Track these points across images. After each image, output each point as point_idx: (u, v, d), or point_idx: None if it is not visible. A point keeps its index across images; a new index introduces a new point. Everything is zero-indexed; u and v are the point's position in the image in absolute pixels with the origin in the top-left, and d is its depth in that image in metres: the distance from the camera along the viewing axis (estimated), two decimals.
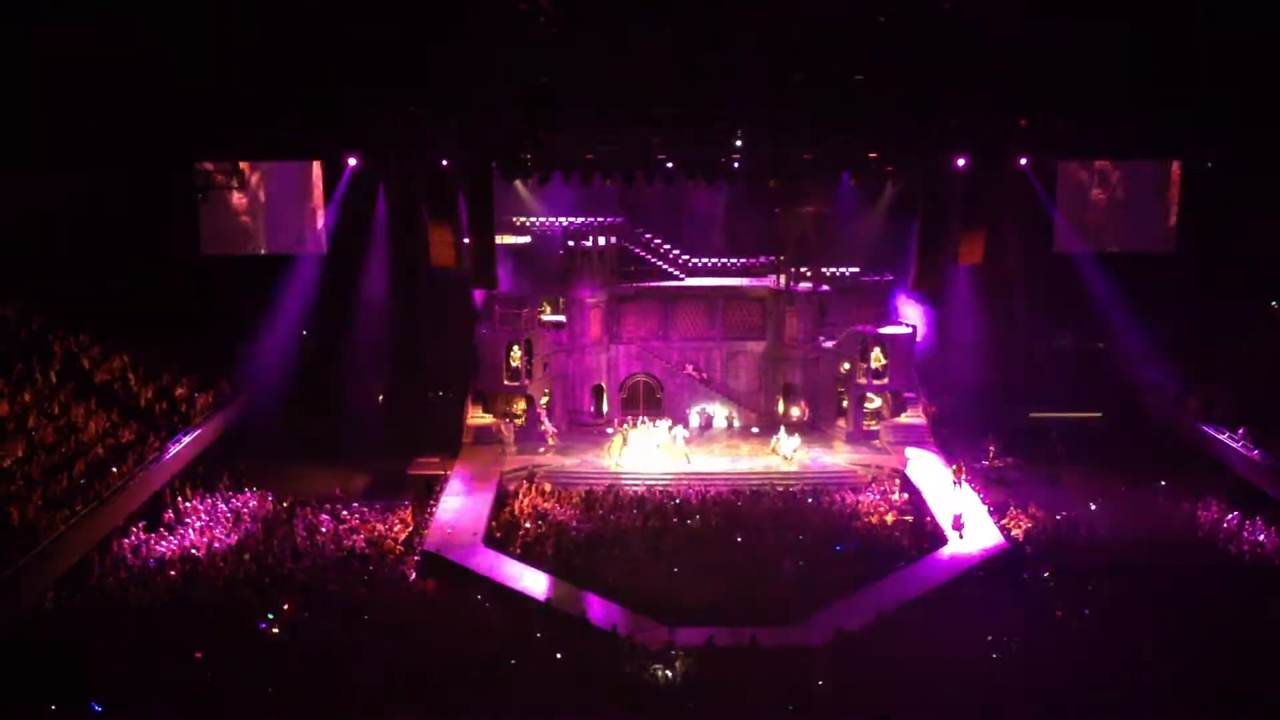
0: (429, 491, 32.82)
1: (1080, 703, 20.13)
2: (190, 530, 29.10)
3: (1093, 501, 31.57)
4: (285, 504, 31.39)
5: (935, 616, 24.68)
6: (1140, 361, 38.16)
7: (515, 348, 37.74)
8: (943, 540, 28.91)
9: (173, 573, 26.49)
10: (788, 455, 35.80)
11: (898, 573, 27.21)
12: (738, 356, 41.03)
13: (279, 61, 28.82)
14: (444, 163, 33.22)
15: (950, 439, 37.06)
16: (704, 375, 40.64)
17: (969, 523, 29.33)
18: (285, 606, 24.35)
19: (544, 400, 38.81)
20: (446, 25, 27.70)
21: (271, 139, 33.14)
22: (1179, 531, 29.32)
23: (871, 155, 34.47)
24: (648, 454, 35.79)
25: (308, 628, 23.45)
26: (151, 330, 36.42)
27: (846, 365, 38.64)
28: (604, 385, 40.22)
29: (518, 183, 38.02)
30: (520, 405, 38.27)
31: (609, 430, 38.26)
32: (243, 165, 34.39)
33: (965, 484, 31.88)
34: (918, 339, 38.92)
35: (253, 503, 31.50)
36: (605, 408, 40.27)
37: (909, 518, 31.11)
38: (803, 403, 38.88)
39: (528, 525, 30.09)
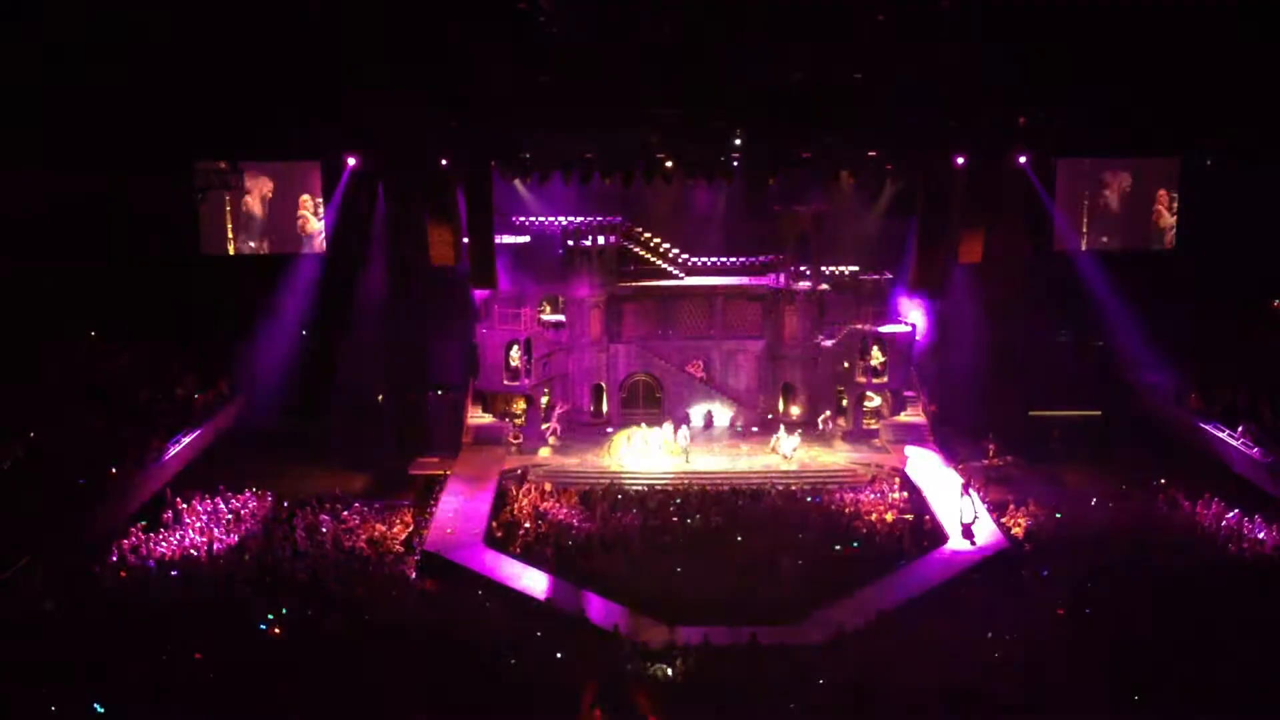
0: (429, 491, 32.83)
1: (1080, 701, 20.12)
2: (190, 530, 29.07)
3: (1092, 500, 31.55)
4: (285, 504, 31.36)
5: (935, 615, 24.66)
6: (1140, 359, 38.17)
7: (515, 347, 37.75)
8: (943, 539, 28.92)
9: (173, 573, 26.46)
10: (787, 454, 35.81)
11: (898, 572, 27.21)
12: (737, 355, 41.02)
13: (279, 61, 28.83)
14: (443, 162, 33.23)
15: (950, 438, 37.08)
16: (703, 375, 40.63)
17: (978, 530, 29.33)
18: (285, 607, 24.33)
19: (544, 400, 38.82)
20: (445, 24, 27.72)
21: (271, 139, 33.17)
22: (1179, 529, 29.30)
23: (871, 154, 34.48)
24: (648, 453, 35.79)
25: (308, 628, 23.44)
26: (151, 330, 36.43)
27: (846, 364, 38.63)
28: (604, 385, 40.21)
29: (517, 182, 38.03)
30: (520, 405, 38.28)
31: (609, 430, 38.29)
32: (242, 165, 34.40)
33: (973, 493, 31.45)
34: (917, 338, 38.94)
35: (252, 503, 31.48)
36: (605, 407, 40.25)
37: (909, 516, 31.10)
38: (829, 412, 38.49)
39: (528, 525, 30.08)
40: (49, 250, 34.09)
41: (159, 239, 36.08)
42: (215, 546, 28.09)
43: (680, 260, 41.25)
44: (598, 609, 24.83)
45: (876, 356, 37.67)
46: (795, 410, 40.02)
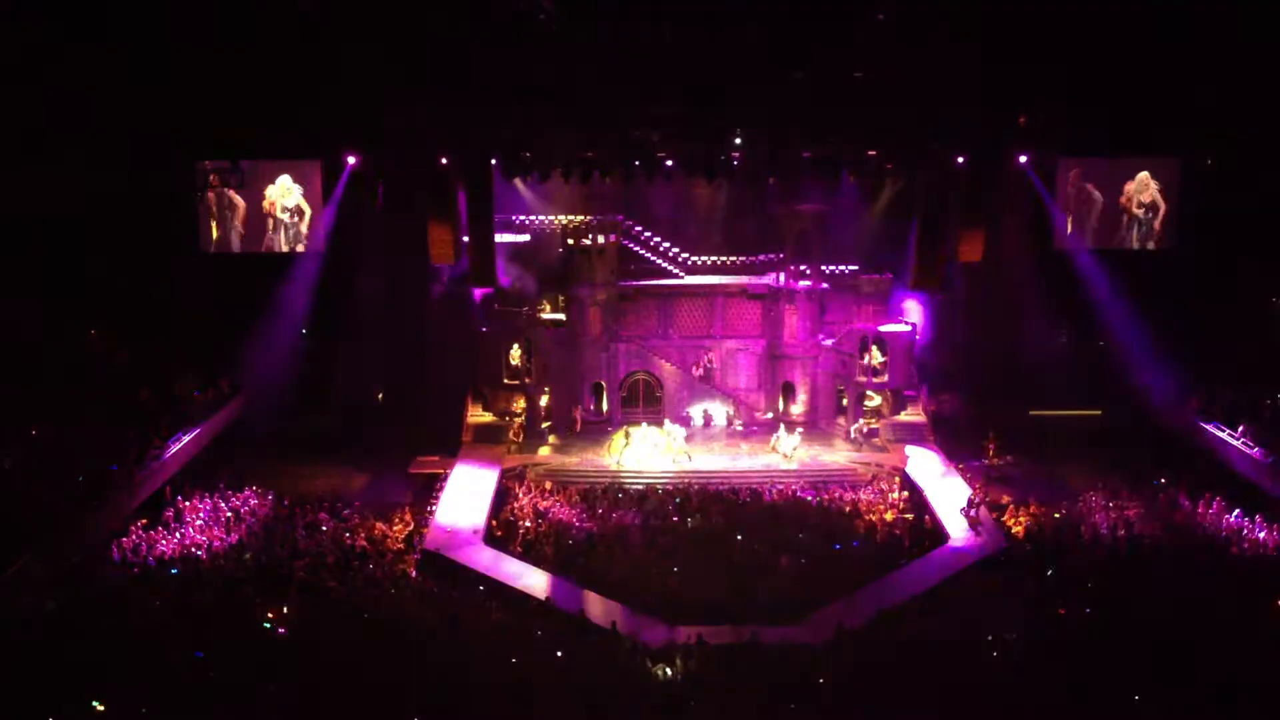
0: (429, 490, 32.83)
1: (1080, 700, 20.14)
2: (190, 529, 29.06)
3: (1093, 499, 31.54)
4: (285, 503, 31.36)
5: (935, 614, 24.67)
6: (1140, 359, 38.16)
7: (515, 346, 37.72)
8: (943, 538, 28.93)
9: (173, 571, 26.47)
10: (787, 453, 35.82)
11: (898, 571, 27.22)
12: (737, 355, 41.03)
13: (279, 60, 28.84)
14: (443, 161, 33.22)
15: (950, 437, 37.09)
16: (703, 372, 40.64)
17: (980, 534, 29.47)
18: (285, 606, 24.35)
19: (544, 399, 38.80)
20: (446, 24, 27.74)
21: (272, 138, 33.18)
22: (1179, 529, 29.29)
23: (871, 153, 34.47)
24: (648, 452, 35.79)
25: (308, 627, 23.45)
26: (151, 329, 36.43)
27: (846, 363, 38.61)
28: (604, 383, 40.20)
29: (517, 180, 38.01)
30: (520, 403, 38.27)
31: (609, 428, 38.32)
32: (243, 164, 34.41)
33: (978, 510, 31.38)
34: (917, 337, 38.93)
35: (253, 501, 31.45)
36: (605, 406, 40.25)
37: (909, 516, 31.10)
38: (862, 423, 37.58)
39: (528, 524, 30.08)
40: (49, 249, 34.11)
41: (159, 237, 36.07)
42: (215, 545, 28.08)
43: (680, 259, 41.25)
44: (598, 608, 24.82)
45: (876, 356, 37.66)
46: (795, 409, 40.01)
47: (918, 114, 31.25)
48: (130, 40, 28.58)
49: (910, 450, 35.71)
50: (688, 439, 36.57)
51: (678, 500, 31.76)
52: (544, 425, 38.41)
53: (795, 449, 35.92)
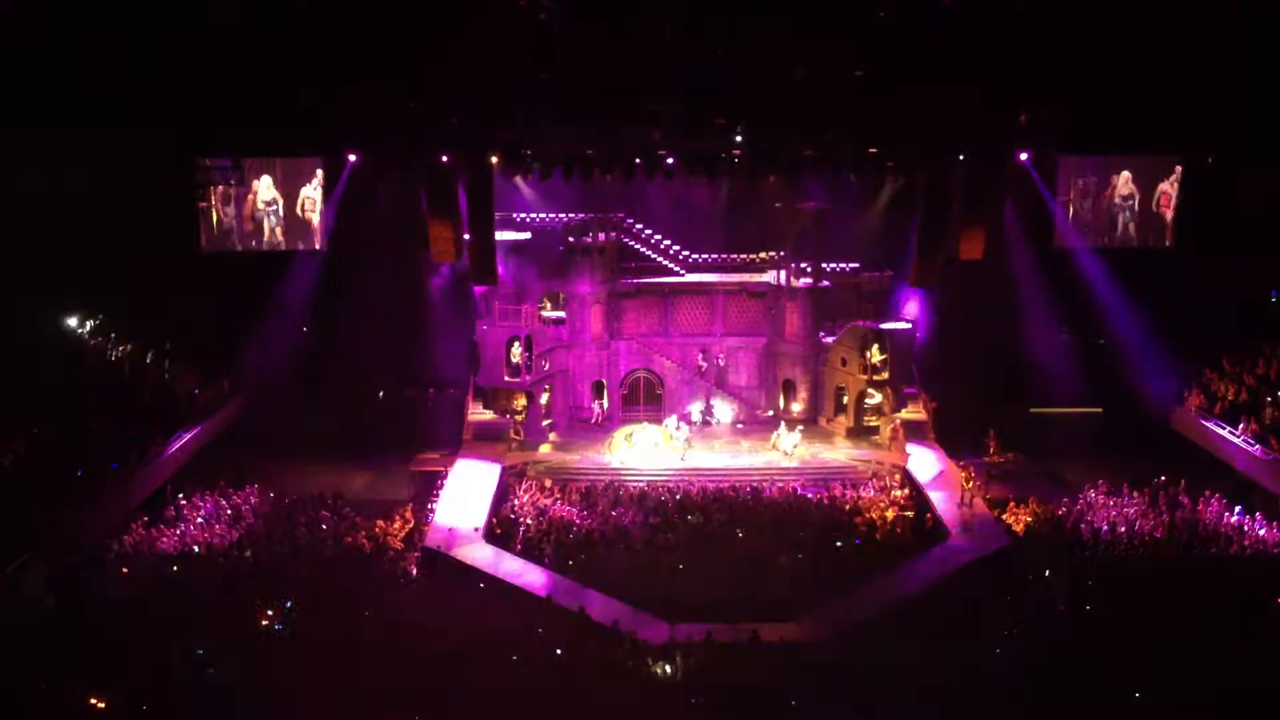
0: (430, 488, 32.83)
1: (1080, 698, 20.16)
2: (191, 527, 29.10)
3: (1093, 497, 31.54)
4: (286, 501, 31.39)
5: (936, 612, 24.68)
6: (1141, 357, 38.16)
7: (516, 344, 37.74)
8: (943, 536, 28.94)
9: (174, 569, 26.49)
10: (788, 451, 35.83)
11: (898, 568, 27.22)
12: (738, 352, 41.03)
13: (279, 57, 28.80)
14: (444, 159, 33.21)
15: (950, 434, 37.07)
16: (706, 367, 40.64)
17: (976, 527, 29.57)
18: (287, 603, 24.37)
19: (544, 397, 38.81)
20: (446, 21, 27.70)
21: (272, 136, 33.14)
22: (1180, 527, 29.29)
23: (872, 151, 34.44)
24: (649, 450, 35.80)
25: (309, 624, 23.46)
26: (152, 327, 36.43)
27: (846, 360, 38.61)
28: (604, 381, 40.20)
29: (518, 178, 37.98)
30: (521, 401, 38.27)
31: (611, 426, 38.35)
32: (244, 162, 34.38)
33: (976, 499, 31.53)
34: (918, 334, 38.90)
35: (253, 499, 31.49)
36: (606, 404, 40.24)
37: (909, 513, 31.10)
38: (896, 429, 36.68)
39: (528, 521, 30.09)
40: (51, 248, 34.10)
41: (160, 236, 36.03)
42: (216, 543, 28.11)
43: (681, 257, 41.22)
44: (599, 605, 24.83)
45: (877, 353, 37.64)
46: (796, 407, 40.01)
47: (918, 112, 31.21)
48: (130, 38, 28.54)
49: (911, 448, 35.68)
50: (689, 440, 36.51)
51: (678, 498, 31.77)
52: (545, 423, 38.41)
53: (796, 446, 35.94)
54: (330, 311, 39.42)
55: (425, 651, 22.08)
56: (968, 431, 36.69)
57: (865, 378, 37.78)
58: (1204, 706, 19.93)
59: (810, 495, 32.40)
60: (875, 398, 38.27)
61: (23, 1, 27.91)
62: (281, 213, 34.84)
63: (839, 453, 36.78)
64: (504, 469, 34.16)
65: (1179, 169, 35.01)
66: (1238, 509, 29.93)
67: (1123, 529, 29.01)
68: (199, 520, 29.72)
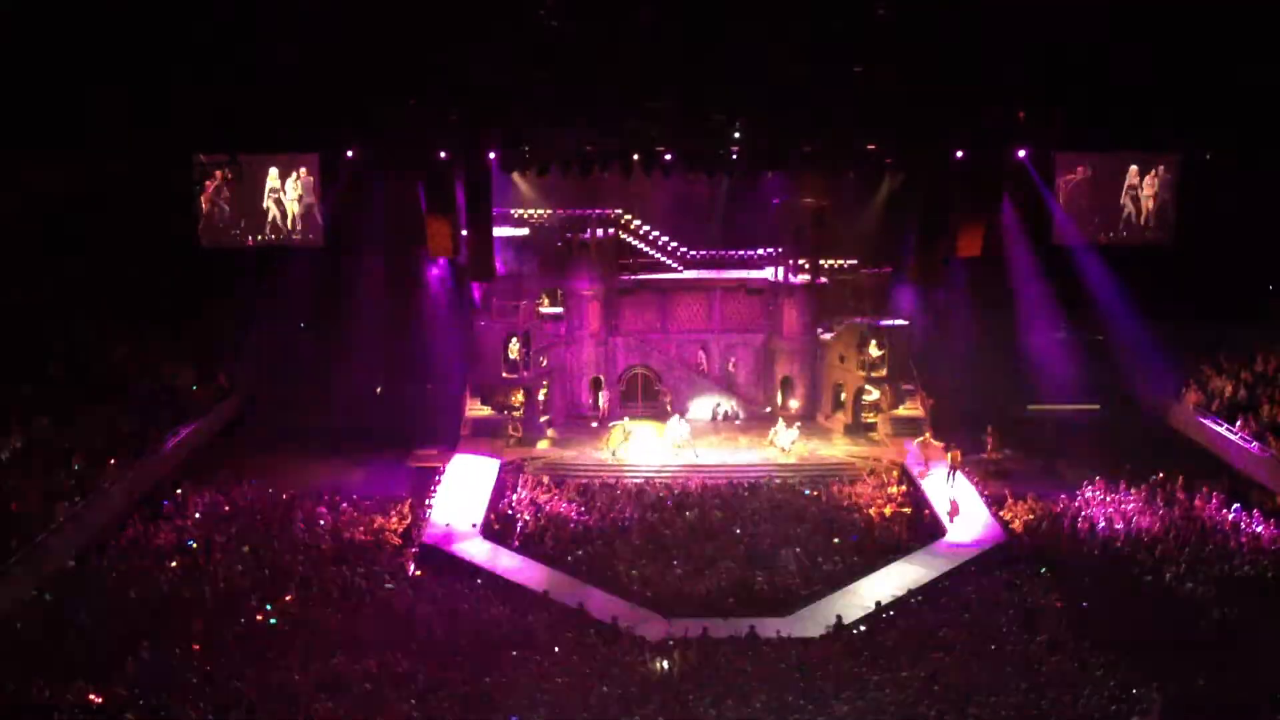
0: (427, 484, 32.83)
1: (1079, 696, 20.17)
2: (188, 522, 29.08)
3: (1090, 493, 31.56)
4: (284, 496, 31.36)
5: (933, 608, 24.72)
6: (1138, 353, 38.19)
7: (513, 340, 37.73)
8: (941, 532, 28.99)
9: (171, 564, 26.48)
10: (785, 447, 35.85)
11: (895, 564, 27.24)
12: (736, 349, 41.04)
13: (278, 53, 28.77)
14: (442, 155, 33.20)
15: (948, 431, 37.08)
16: (707, 369, 40.63)
17: (965, 511, 29.74)
18: (285, 599, 24.38)
19: (542, 394, 38.80)
20: (445, 17, 27.67)
21: (270, 131, 33.11)
22: (1177, 524, 29.31)
23: (870, 147, 34.46)
24: (646, 446, 35.81)
25: (307, 620, 23.47)
26: (150, 322, 36.41)
27: (844, 357, 38.62)
28: (602, 378, 40.20)
29: (515, 174, 37.97)
30: (519, 397, 38.29)
31: (594, 424, 38.42)
32: (241, 157, 34.36)
33: (960, 475, 31.86)
34: (915, 331, 38.92)
35: (251, 495, 31.46)
36: (603, 400, 40.24)
37: (907, 510, 31.14)
38: (928, 434, 35.70)
39: (526, 517, 30.10)
40: (48, 242, 34.07)
41: (158, 231, 36.02)
42: (214, 538, 28.07)
43: (679, 253, 41.23)
44: (596, 602, 24.85)
45: (875, 350, 37.67)
46: (794, 403, 40.02)
47: (917, 109, 31.21)
48: (129, 36, 28.50)
49: (909, 445, 35.72)
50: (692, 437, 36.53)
51: (676, 494, 31.79)
52: (543, 419, 38.42)
53: (793, 443, 35.96)
54: (328, 307, 39.40)
55: (422, 647, 22.07)
56: (965, 428, 36.73)
57: (863, 374, 37.81)
58: (1203, 703, 19.92)
59: (808, 492, 32.40)
60: (873, 394, 38.30)
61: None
62: (279, 206, 34.84)
63: (836, 449, 36.81)
64: (502, 465, 34.19)
65: (1161, 166, 35.05)
66: (1235, 506, 29.95)
67: (1120, 526, 29.02)
68: (197, 516, 29.68)
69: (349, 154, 34.79)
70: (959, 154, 33.43)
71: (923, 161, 34.61)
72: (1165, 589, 25.07)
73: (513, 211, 40.03)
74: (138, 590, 24.81)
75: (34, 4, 27.77)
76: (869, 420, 38.22)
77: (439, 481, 32.45)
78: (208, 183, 34.53)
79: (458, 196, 34.41)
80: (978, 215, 34.32)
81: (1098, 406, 39.49)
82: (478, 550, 27.73)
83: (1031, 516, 30.26)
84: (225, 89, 30.10)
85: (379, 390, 40.82)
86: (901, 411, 37.90)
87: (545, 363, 38.70)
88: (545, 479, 33.45)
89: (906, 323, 38.32)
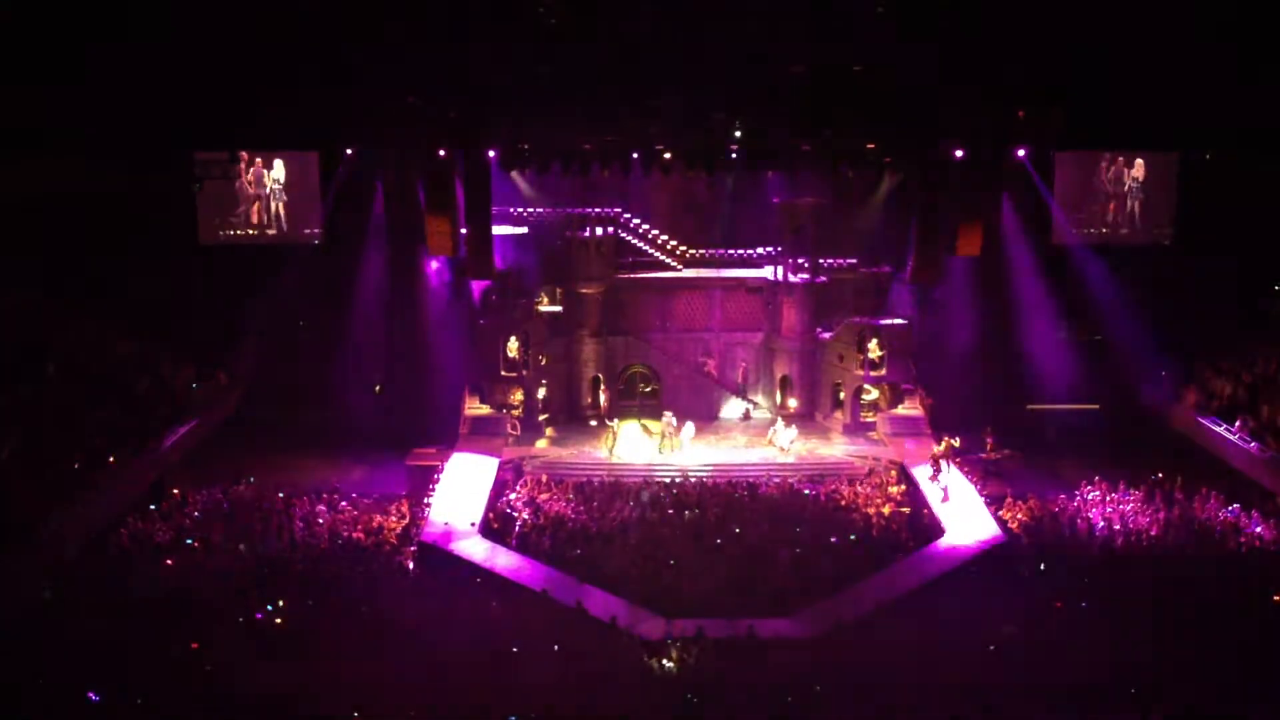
0: (426, 482, 32.78)
1: (1077, 695, 20.15)
2: (187, 520, 29.06)
3: (1090, 493, 31.56)
4: (282, 495, 31.34)
5: (932, 608, 24.68)
6: (1138, 353, 38.19)
7: (512, 338, 37.68)
8: (940, 532, 28.94)
9: (169, 563, 26.47)
10: (784, 446, 35.82)
11: (895, 564, 27.22)
12: (735, 348, 41.00)
13: (277, 51, 28.78)
14: (442, 153, 33.17)
15: (948, 431, 37.07)
16: (713, 370, 40.53)
17: (958, 501, 29.84)
18: (282, 598, 24.34)
19: (541, 393, 38.76)
20: (445, 16, 27.68)
21: (269, 129, 33.12)
22: (1176, 524, 29.32)
23: (870, 146, 34.46)
24: (645, 445, 35.78)
25: (305, 619, 23.45)
26: (149, 320, 36.38)
27: (843, 356, 38.59)
28: (601, 376, 40.17)
29: (515, 173, 37.93)
30: (518, 396, 38.25)
31: (608, 422, 38.31)
32: (241, 155, 34.36)
33: (952, 467, 31.75)
34: (915, 331, 38.89)
35: (249, 493, 31.44)
36: (603, 399, 40.21)
37: (906, 509, 31.11)
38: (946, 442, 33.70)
39: (525, 516, 30.07)
40: (48, 242, 34.08)
41: (157, 229, 36.01)
42: (212, 537, 28.06)
43: (678, 252, 41.18)
44: (595, 601, 24.82)
45: (874, 349, 37.65)
46: (792, 402, 39.99)
47: (916, 108, 31.21)
48: (128, 35, 28.50)
49: (910, 445, 35.69)
50: (695, 436, 36.49)
51: (675, 493, 31.76)
52: (541, 418, 38.38)
53: (792, 442, 35.94)
54: (327, 305, 39.37)
55: (421, 646, 22.04)
56: (965, 428, 36.70)
57: (862, 374, 37.78)
58: (1203, 702, 19.90)
59: (807, 491, 32.38)
60: (872, 394, 38.27)
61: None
62: (277, 204, 34.85)
63: (835, 449, 36.77)
64: (500, 464, 34.13)
65: (1140, 162, 35.08)
66: (1234, 506, 29.95)
67: (1118, 526, 29.01)
68: (195, 514, 29.66)
69: (349, 153, 34.75)
70: (958, 153, 33.41)
71: (922, 161, 34.58)
72: (1165, 589, 25.03)
73: (512, 210, 39.97)
74: (137, 589, 24.79)
75: (34, 4, 27.79)
76: (868, 420, 38.17)
77: (437, 480, 32.40)
78: (207, 181, 34.50)
79: (457, 195, 34.39)
80: (977, 215, 34.32)
81: (1097, 406, 39.47)
82: (476, 549, 27.68)
83: (1030, 516, 30.22)
84: (226, 89, 30.12)
85: (378, 389, 40.79)
86: (900, 411, 37.85)
87: (544, 361, 38.66)
88: (544, 478, 33.41)
89: (906, 322, 38.28)
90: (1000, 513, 30.28)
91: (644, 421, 36.71)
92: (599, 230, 38.89)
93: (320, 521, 29.57)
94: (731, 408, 40.22)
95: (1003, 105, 32.41)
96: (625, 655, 22.00)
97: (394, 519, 30.36)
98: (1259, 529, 28.76)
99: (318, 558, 26.93)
